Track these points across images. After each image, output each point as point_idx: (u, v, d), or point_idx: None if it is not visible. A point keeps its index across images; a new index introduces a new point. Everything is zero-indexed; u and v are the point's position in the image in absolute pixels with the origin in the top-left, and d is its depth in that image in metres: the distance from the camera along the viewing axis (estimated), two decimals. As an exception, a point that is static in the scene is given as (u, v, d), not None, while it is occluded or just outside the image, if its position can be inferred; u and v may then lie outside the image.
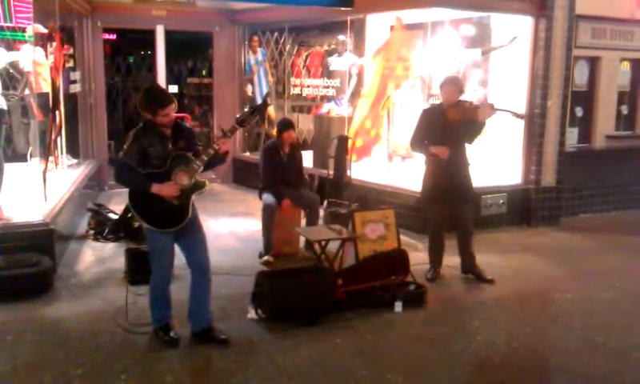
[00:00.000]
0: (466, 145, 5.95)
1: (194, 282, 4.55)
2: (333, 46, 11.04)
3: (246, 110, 4.61)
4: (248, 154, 11.14)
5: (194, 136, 4.58)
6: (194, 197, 4.37)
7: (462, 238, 6.11)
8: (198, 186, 4.35)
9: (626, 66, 9.48)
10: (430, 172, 5.97)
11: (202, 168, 4.34)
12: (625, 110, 9.55)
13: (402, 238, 6.39)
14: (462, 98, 5.91)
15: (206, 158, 4.30)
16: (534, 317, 5.34)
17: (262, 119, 10.97)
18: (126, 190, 4.37)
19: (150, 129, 4.27)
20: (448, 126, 5.78)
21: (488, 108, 5.82)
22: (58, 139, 7.99)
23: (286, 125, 6.72)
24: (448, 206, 5.99)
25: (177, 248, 4.51)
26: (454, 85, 5.87)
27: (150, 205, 4.24)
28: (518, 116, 6.23)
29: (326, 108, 10.39)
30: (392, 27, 8.92)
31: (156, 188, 4.19)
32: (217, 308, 4.95)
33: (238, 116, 4.51)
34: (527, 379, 4.22)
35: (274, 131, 9.95)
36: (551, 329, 5.12)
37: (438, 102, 7.75)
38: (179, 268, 4.78)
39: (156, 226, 4.31)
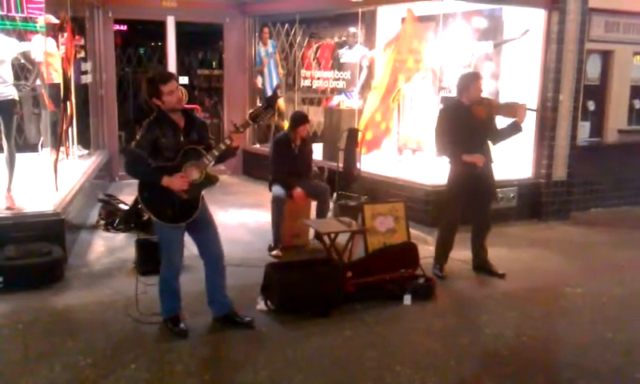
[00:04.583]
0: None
1: (209, 272, 4.58)
2: (343, 38, 10.96)
3: (259, 105, 4.56)
4: (258, 145, 11.15)
5: (206, 129, 4.56)
6: (204, 191, 4.36)
7: (479, 232, 6.04)
8: (209, 181, 4.34)
9: (639, 61, 9.40)
10: (459, 172, 5.75)
11: (212, 162, 4.34)
12: (637, 104, 9.47)
13: (412, 231, 6.38)
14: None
15: (217, 153, 4.30)
16: (543, 311, 5.31)
17: (272, 111, 10.96)
18: (136, 181, 4.37)
19: (162, 118, 4.27)
20: (476, 124, 5.67)
21: (524, 108, 5.66)
22: (69, 130, 8.02)
23: (301, 119, 6.72)
24: (471, 202, 5.86)
25: (187, 239, 4.52)
26: (481, 81, 5.76)
27: (160, 198, 4.24)
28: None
29: (336, 100, 10.34)
30: (403, 19, 8.86)
31: (166, 180, 4.17)
32: (226, 299, 4.98)
33: (251, 111, 4.47)
34: (535, 373, 4.20)
35: (284, 123, 9.96)
36: (560, 323, 5.10)
37: (450, 98, 7.72)
38: (190, 259, 4.79)
39: (165, 220, 4.30)
